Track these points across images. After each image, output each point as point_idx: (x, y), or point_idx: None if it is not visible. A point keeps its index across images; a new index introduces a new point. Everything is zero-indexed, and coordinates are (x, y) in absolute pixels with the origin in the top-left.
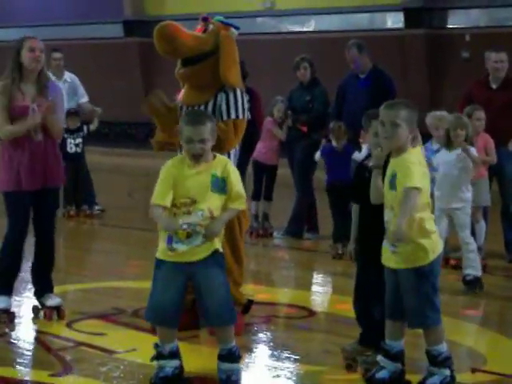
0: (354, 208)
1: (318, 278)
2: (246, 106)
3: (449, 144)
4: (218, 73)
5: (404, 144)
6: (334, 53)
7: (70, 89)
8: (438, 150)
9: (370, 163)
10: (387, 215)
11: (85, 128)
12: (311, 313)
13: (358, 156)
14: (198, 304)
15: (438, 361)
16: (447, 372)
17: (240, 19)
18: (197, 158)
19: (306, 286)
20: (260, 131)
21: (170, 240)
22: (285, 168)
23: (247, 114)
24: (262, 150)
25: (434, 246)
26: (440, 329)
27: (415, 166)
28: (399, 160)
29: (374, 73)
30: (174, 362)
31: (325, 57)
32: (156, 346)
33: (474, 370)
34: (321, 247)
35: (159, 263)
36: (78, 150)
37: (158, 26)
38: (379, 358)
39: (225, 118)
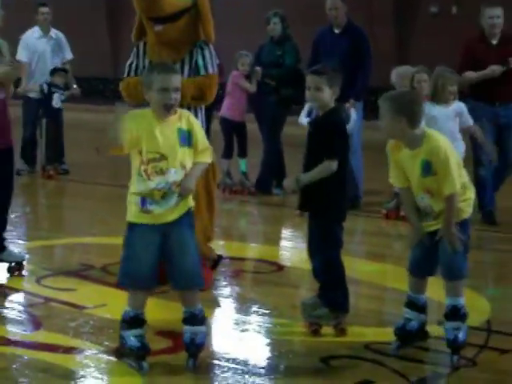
0: None
1: (286, 233)
2: (217, 62)
3: (438, 98)
4: (195, 29)
5: (404, 135)
6: (303, 7)
7: (55, 45)
8: None
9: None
10: (424, 200)
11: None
12: (280, 267)
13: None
14: (166, 265)
15: (460, 314)
16: (466, 325)
17: None
18: (169, 108)
19: (275, 241)
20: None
21: (144, 202)
22: (252, 123)
23: (217, 70)
24: (229, 106)
25: (471, 200)
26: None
27: (452, 158)
28: (427, 148)
29: (350, 28)
30: (140, 331)
31: (294, 12)
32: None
33: (440, 323)
34: (289, 202)
35: (133, 226)
36: (62, 106)
37: None
38: (405, 310)
39: (203, 72)
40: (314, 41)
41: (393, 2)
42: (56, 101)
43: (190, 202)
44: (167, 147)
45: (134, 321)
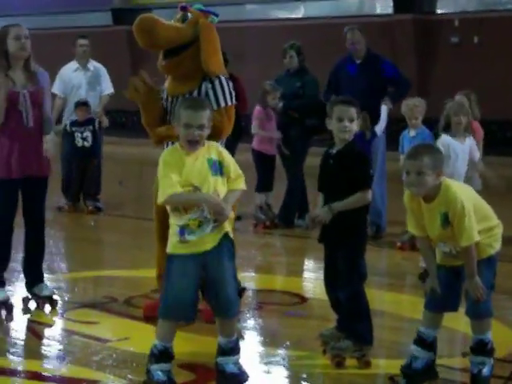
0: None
1: (309, 264)
2: (233, 92)
3: (448, 129)
4: (200, 62)
5: (433, 187)
6: (323, 39)
7: (91, 78)
8: (414, 138)
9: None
10: (446, 245)
11: (96, 122)
12: (303, 299)
13: None
14: (207, 294)
15: (487, 349)
16: (492, 360)
17: (229, 6)
18: (193, 144)
19: (298, 272)
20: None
21: (182, 232)
22: None
23: (234, 100)
24: (261, 140)
25: (498, 237)
26: None
27: (469, 206)
28: (444, 200)
29: (371, 57)
30: (168, 366)
31: (314, 43)
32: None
33: (464, 355)
34: (312, 234)
35: (171, 258)
36: (86, 143)
37: (137, 19)
38: (413, 347)
39: (215, 107)
40: (333, 71)
41: (414, 33)
42: (77, 139)
43: (226, 227)
44: (199, 178)
45: (163, 355)
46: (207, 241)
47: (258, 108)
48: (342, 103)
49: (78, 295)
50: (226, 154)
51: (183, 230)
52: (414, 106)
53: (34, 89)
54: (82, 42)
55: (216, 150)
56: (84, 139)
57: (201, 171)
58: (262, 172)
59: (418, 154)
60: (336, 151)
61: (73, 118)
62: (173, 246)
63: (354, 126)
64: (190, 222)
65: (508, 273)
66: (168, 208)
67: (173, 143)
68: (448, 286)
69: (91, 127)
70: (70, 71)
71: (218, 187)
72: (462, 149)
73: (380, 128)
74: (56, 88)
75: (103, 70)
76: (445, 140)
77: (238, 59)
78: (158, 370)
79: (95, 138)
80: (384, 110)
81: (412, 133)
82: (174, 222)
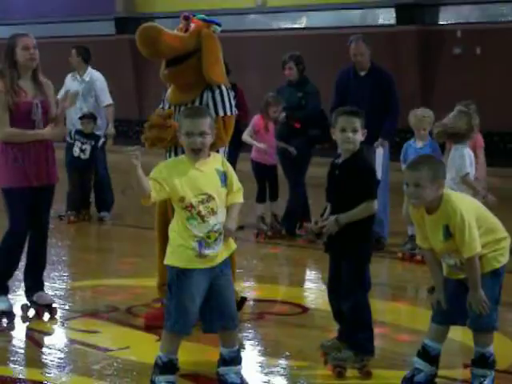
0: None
1: (310, 274)
2: (233, 102)
3: (467, 137)
4: (202, 71)
5: (434, 199)
6: (326, 49)
7: (85, 89)
8: (421, 149)
9: (323, 223)
10: (450, 258)
11: (100, 141)
12: (304, 309)
13: None
14: (210, 307)
15: (489, 362)
16: (493, 373)
17: (231, 16)
18: (197, 152)
19: (299, 282)
20: (244, 125)
21: (201, 245)
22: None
23: (234, 110)
24: (259, 149)
25: (505, 250)
26: None
27: (469, 218)
28: (445, 212)
29: (375, 70)
30: (172, 377)
31: (316, 53)
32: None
33: (466, 366)
34: (313, 244)
35: (186, 272)
36: (83, 155)
37: (140, 28)
38: (416, 360)
39: (213, 115)
40: (337, 82)
41: (416, 44)
42: (75, 149)
43: (234, 245)
44: (211, 187)
45: (167, 366)
46: (219, 255)
47: (257, 117)
48: (346, 114)
49: (80, 304)
50: (229, 166)
51: (201, 243)
52: (422, 117)
53: (43, 98)
54: (71, 52)
55: (221, 161)
56: (82, 151)
57: (212, 180)
58: (261, 182)
59: (418, 165)
60: (341, 161)
61: (78, 127)
62: (188, 260)
63: (358, 137)
64: (210, 234)
65: (509, 284)
66: (182, 217)
67: (175, 149)
68: (455, 299)
69: (93, 142)
70: (70, 80)
71: (223, 199)
72: (470, 154)
73: (379, 173)
74: (59, 94)
75: (100, 82)
76: (466, 150)
77: (240, 69)
78: (163, 382)
79: (93, 153)
80: (380, 154)
81: (419, 144)
82: (191, 234)
